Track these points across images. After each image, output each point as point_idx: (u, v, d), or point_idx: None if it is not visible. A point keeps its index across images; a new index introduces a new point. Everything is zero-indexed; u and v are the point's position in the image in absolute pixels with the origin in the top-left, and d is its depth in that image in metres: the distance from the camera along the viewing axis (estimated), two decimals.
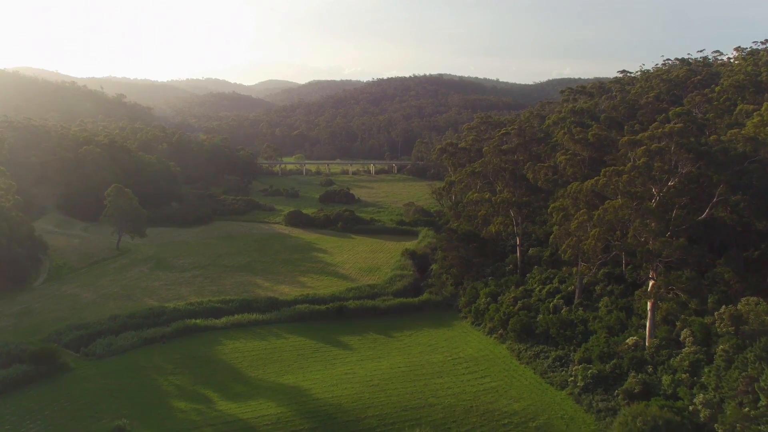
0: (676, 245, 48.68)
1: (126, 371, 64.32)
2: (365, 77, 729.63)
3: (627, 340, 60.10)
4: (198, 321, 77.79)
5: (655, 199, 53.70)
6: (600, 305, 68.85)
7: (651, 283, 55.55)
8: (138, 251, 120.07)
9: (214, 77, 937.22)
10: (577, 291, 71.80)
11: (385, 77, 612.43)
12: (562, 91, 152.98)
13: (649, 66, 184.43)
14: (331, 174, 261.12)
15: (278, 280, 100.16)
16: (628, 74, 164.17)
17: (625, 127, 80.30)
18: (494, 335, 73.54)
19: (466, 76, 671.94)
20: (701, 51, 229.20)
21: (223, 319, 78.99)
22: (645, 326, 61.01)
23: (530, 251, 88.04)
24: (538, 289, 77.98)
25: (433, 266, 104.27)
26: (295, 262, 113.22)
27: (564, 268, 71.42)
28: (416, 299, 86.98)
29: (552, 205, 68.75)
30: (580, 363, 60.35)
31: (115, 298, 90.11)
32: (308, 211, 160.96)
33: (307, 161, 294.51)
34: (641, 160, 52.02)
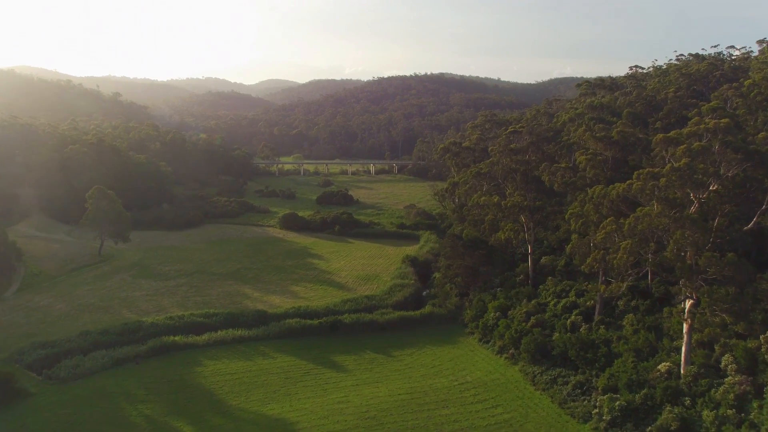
0: (725, 261, 41.42)
1: (91, 398, 57.08)
2: (366, 77, 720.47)
3: (659, 366, 52.69)
4: (177, 338, 70.49)
5: (695, 207, 46.45)
6: (624, 323, 61.45)
7: (689, 302, 48.15)
8: (121, 257, 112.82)
9: (214, 77, 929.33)
10: (597, 307, 64.39)
11: (385, 76, 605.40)
12: (578, 85, 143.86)
13: (660, 62, 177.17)
14: (329, 174, 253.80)
15: (269, 290, 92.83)
16: (640, 70, 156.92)
17: (649, 124, 73.29)
18: (505, 355, 66.18)
19: (468, 75, 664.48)
20: (715, 46, 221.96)
21: (206, 336, 71.66)
22: (678, 349, 53.66)
23: (543, 260, 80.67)
24: (552, 303, 70.57)
25: (436, 275, 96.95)
26: (288, 269, 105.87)
27: (588, 285, 63.87)
28: (418, 312, 79.62)
29: (570, 211, 61.41)
30: (604, 392, 52.99)
31: (91, 311, 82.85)
32: (304, 213, 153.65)
33: (305, 161, 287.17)
34: (682, 161, 44.80)
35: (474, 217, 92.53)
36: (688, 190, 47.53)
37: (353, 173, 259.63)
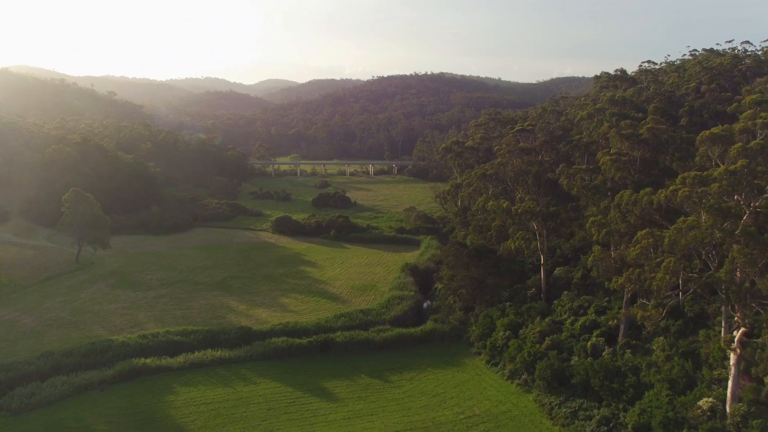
0: None
1: None
2: (366, 77, 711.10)
3: (700, 402, 45.10)
4: (149, 360, 62.89)
5: (748, 217, 39.06)
6: (654, 348, 53.91)
7: (741, 330, 40.64)
8: (101, 264, 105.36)
9: (214, 76, 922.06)
10: (621, 327, 56.83)
11: (385, 75, 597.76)
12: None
13: (673, 58, 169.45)
14: (327, 175, 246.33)
15: (256, 302, 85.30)
16: (653, 66, 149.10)
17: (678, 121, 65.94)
18: (516, 381, 58.67)
19: (468, 75, 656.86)
20: (730, 41, 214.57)
21: (181, 358, 64.07)
22: (721, 381, 46.16)
23: (556, 271, 73.12)
24: (569, 321, 63.00)
25: (438, 285, 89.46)
26: (279, 278, 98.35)
27: (614, 305, 56.32)
28: (418, 329, 72.02)
29: (591, 219, 53.96)
30: (636, 431, 45.50)
31: (59, 326, 75.30)
32: (299, 216, 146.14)
33: (302, 161, 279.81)
34: (738, 163, 37.46)
35: (479, 223, 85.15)
36: (738, 197, 40.07)
37: (351, 174, 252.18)
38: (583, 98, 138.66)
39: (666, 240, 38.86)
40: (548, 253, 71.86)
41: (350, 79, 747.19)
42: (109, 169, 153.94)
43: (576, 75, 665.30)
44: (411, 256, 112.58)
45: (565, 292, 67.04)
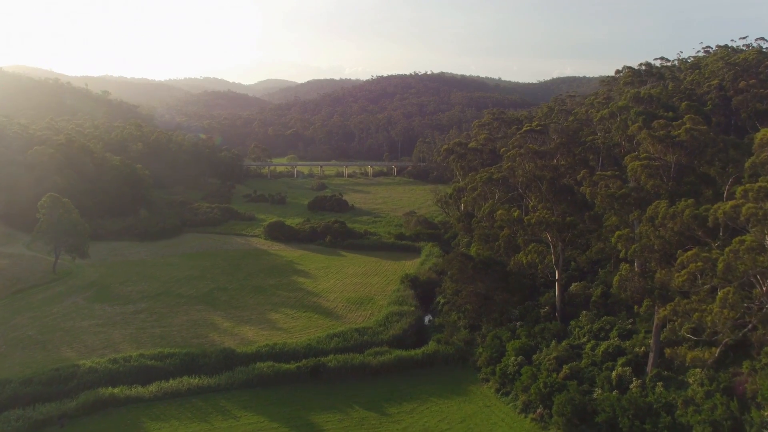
0: None
1: None
2: (366, 77, 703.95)
3: None
4: (117, 390, 56.04)
5: None
6: (690, 381, 46.99)
7: None
8: (79, 275, 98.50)
9: (213, 76, 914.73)
10: (651, 356, 49.91)
11: (385, 75, 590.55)
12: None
13: (685, 55, 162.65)
14: (324, 176, 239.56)
15: (242, 318, 78.40)
16: (666, 62, 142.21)
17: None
18: (531, 415, 51.83)
19: (468, 75, 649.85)
20: (744, 38, 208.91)
21: (154, 386, 57.20)
22: None
23: (572, 287, 66.30)
24: (589, 346, 56.12)
25: (440, 299, 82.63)
26: (269, 289, 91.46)
27: (643, 332, 49.45)
28: (420, 351, 65.05)
29: (617, 233, 47.15)
30: None
31: (25, 347, 68.48)
32: (293, 221, 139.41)
33: (299, 162, 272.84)
34: None
35: (485, 231, 78.20)
36: None
37: (350, 175, 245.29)
38: (592, 96, 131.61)
39: (720, 265, 32.19)
40: (563, 266, 64.94)
41: (349, 79, 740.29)
42: (94, 172, 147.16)
43: (577, 75, 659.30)
44: (411, 265, 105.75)
45: (584, 312, 60.08)
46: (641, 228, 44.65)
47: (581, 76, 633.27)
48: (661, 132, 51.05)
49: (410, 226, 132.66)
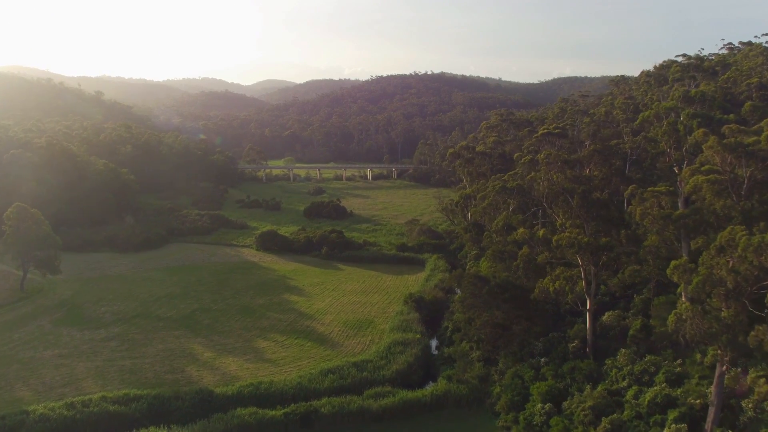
0: None
1: None
2: (365, 77, 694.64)
3: None
4: None
5: None
6: None
7: None
8: (50, 292, 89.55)
9: (211, 77, 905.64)
10: (711, 411, 40.88)
11: (384, 75, 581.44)
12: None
13: (705, 52, 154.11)
14: (322, 180, 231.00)
15: (225, 347, 69.36)
16: (688, 59, 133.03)
17: None
18: None
19: (468, 75, 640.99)
20: (766, 34, 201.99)
21: None
22: None
23: (605, 316, 57.35)
24: (631, 392, 47.04)
25: (448, 324, 73.65)
26: (257, 310, 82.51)
27: (696, 377, 40.63)
28: (428, 392, 56.11)
29: (674, 263, 38.28)
30: None
31: None
32: (287, 230, 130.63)
33: (296, 165, 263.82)
34: None
35: (499, 247, 69.24)
36: None
37: (348, 179, 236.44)
38: (608, 96, 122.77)
39: None
40: (594, 293, 56.02)
41: (349, 79, 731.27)
42: (76, 177, 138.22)
43: (578, 75, 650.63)
44: (414, 281, 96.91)
45: (622, 350, 51.03)
46: (706, 259, 35.89)
47: (582, 76, 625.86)
48: (733, 139, 42.35)
49: (413, 236, 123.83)
